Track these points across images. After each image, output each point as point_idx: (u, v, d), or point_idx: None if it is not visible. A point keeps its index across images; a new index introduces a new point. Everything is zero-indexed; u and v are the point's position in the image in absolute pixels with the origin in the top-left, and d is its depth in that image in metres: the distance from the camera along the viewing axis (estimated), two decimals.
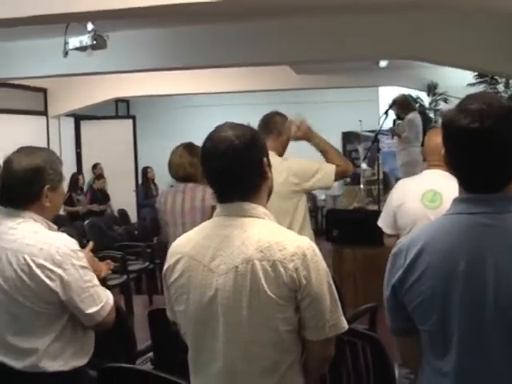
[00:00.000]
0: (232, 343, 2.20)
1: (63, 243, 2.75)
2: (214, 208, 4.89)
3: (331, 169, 4.48)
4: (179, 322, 2.38)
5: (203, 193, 5.04)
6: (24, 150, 2.93)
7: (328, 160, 4.55)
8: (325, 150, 4.58)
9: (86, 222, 9.76)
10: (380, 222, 4.24)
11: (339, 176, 4.65)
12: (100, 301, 2.78)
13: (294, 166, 4.47)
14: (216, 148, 2.25)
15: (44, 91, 12.73)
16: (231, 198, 2.28)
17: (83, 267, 2.76)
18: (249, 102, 13.82)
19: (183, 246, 2.36)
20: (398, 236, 4.06)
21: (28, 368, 2.73)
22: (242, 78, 11.50)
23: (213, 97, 13.98)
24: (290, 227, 4.30)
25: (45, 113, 12.86)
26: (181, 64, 8.91)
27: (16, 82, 10.88)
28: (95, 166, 13.02)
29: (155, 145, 13.45)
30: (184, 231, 5.03)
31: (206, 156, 2.30)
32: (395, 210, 4.09)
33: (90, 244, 3.07)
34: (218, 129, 2.30)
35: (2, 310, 2.74)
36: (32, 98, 12.50)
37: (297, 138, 4.65)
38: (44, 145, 12.67)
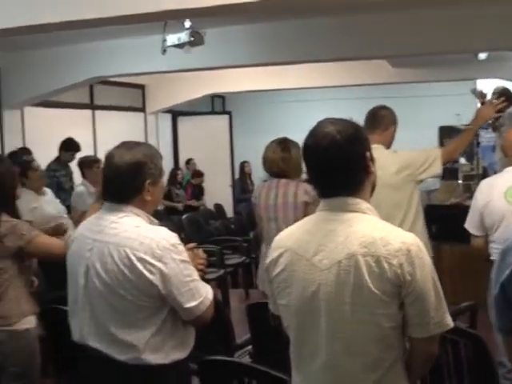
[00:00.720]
0: (334, 338, 2.19)
1: (164, 237, 2.77)
2: (306, 204, 5.00)
3: (437, 153, 4.51)
4: (282, 315, 2.38)
5: (296, 189, 5.06)
6: (125, 145, 2.98)
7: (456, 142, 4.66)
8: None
9: (184, 216, 9.89)
10: (467, 224, 4.24)
11: (446, 160, 4.67)
12: (199, 295, 2.80)
13: (404, 158, 4.50)
14: (318, 144, 2.24)
15: (142, 88, 12.99)
16: (334, 193, 2.27)
17: (183, 261, 2.77)
18: (344, 96, 13.74)
19: (286, 240, 2.36)
20: (485, 236, 4.05)
21: (131, 360, 2.76)
22: (338, 72, 11.41)
23: (309, 91, 13.92)
24: (403, 220, 4.33)
25: (143, 109, 13.13)
26: (278, 59, 8.91)
27: (116, 79, 11.12)
28: (188, 161, 13.19)
29: (251, 140, 13.50)
30: (277, 226, 5.20)
31: (308, 152, 2.30)
32: (481, 209, 4.10)
33: (191, 245, 3.08)
34: (320, 124, 2.29)
35: (105, 302, 2.79)
36: (131, 95, 12.78)
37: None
38: (142, 141, 12.92)
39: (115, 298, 2.76)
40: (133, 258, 2.71)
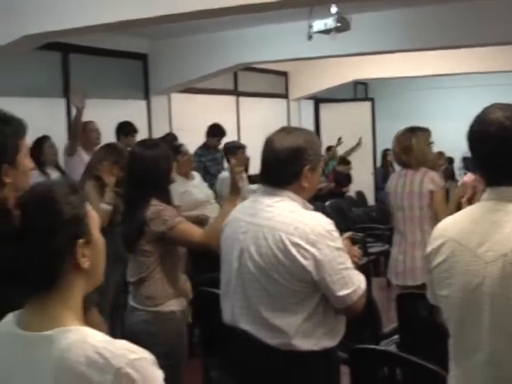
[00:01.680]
0: (499, 333, 2.09)
1: (319, 223, 2.75)
2: (432, 193, 4.91)
3: None
4: (441, 306, 2.30)
5: (422, 177, 5.08)
6: (286, 130, 2.96)
7: None
8: None
9: (328, 203, 9.87)
10: None
11: None
12: (352, 284, 2.75)
13: None
14: (485, 130, 2.14)
15: (285, 75, 13.04)
16: (501, 182, 2.16)
17: (338, 248, 2.74)
18: (492, 83, 13.26)
19: (448, 229, 2.27)
20: None
21: (281, 345, 2.76)
22: (486, 58, 11.00)
23: (455, 78, 13.54)
24: None
25: (286, 96, 13.19)
26: (425, 45, 8.69)
27: (259, 66, 11.21)
28: (329, 148, 13.12)
29: (393, 127, 13.23)
30: (403, 215, 5.15)
31: (475, 139, 2.19)
32: None
33: (348, 233, 3.04)
34: (487, 111, 2.19)
35: (258, 286, 2.79)
36: (274, 82, 12.86)
37: None
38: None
39: (268, 282, 2.75)
40: (287, 242, 2.70)
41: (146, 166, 3.68)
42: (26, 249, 1.61)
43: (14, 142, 2.27)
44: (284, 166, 2.83)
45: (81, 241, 1.65)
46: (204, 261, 5.94)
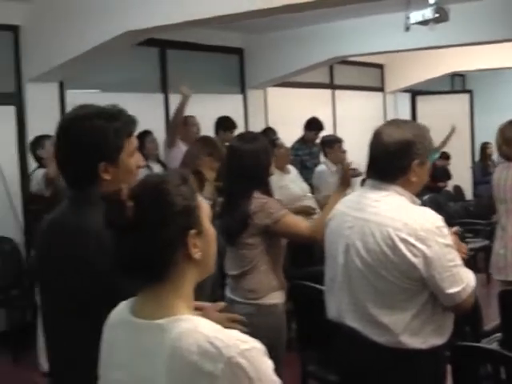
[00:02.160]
0: None
1: (428, 219, 2.69)
2: None
3: None
4: None
5: None
6: (395, 123, 2.92)
7: None
8: None
9: (426, 196, 9.71)
10: None
11: None
12: (461, 282, 2.68)
13: None
14: None
15: (381, 67, 12.89)
16: None
17: (447, 245, 2.67)
18: None
19: None
20: None
21: (388, 342, 2.72)
22: None
23: None
24: None
25: (382, 89, 13.04)
26: None
27: (355, 59, 11.12)
28: None
29: (492, 120, 12.90)
30: (506, 208, 5.03)
31: None
32: None
33: (455, 228, 2.97)
34: None
35: (365, 282, 2.76)
36: (370, 75, 12.73)
37: None
38: (381, 121, 12.87)
39: (376, 279, 2.71)
40: (395, 238, 2.65)
41: (246, 160, 3.69)
42: (139, 240, 1.63)
43: (118, 141, 2.24)
44: (392, 160, 2.77)
45: (192, 231, 1.67)
46: (300, 255, 5.96)
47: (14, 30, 6.98)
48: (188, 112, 7.30)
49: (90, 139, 2.20)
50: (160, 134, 7.67)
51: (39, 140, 6.04)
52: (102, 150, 2.21)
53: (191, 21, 5.86)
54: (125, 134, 2.26)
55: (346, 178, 3.71)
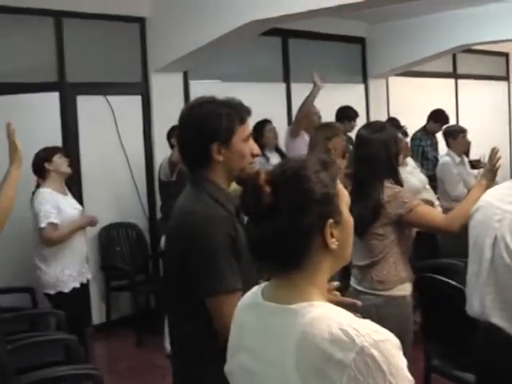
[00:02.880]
0: None
1: None
2: None
3: None
4: None
5: None
6: None
7: None
8: None
9: None
10: None
11: None
12: None
13: None
14: None
15: (506, 56, 12.49)
16: None
17: None
18: None
19: None
20: None
21: None
22: None
23: None
24: None
25: (507, 78, 12.63)
26: None
27: (479, 47, 10.80)
28: None
29: None
30: None
31: None
32: None
33: None
34: None
35: None
36: (493, 63, 12.34)
37: None
38: (506, 111, 12.51)
39: None
40: None
41: (376, 149, 3.64)
42: (276, 227, 1.61)
43: (230, 124, 2.37)
44: None
45: (330, 221, 1.62)
46: (423, 246, 5.84)
47: (140, 21, 7.16)
48: None
49: (203, 121, 2.36)
50: (281, 123, 7.69)
51: (174, 129, 6.12)
52: (214, 131, 2.35)
53: (315, 10, 5.84)
54: (237, 119, 2.39)
55: (493, 167, 3.57)
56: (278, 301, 1.63)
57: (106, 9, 6.77)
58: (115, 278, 6.74)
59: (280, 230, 1.60)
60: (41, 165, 5.10)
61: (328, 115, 7.62)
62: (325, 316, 1.55)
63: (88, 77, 6.65)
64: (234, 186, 2.39)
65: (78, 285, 5.26)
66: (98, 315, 6.59)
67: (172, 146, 6.08)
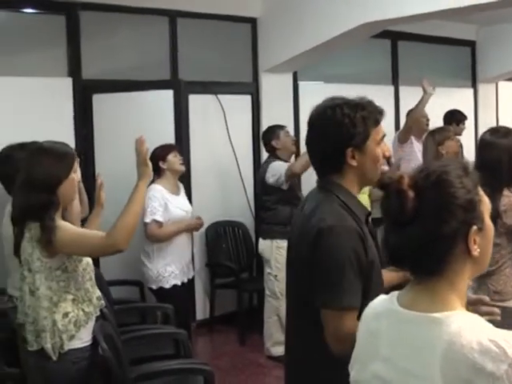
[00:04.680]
0: None
1: None
2: None
3: None
4: None
5: None
6: None
7: None
8: None
9: None
10: None
11: None
12: None
13: None
14: None
15: None
16: None
17: None
18: None
19: None
20: None
21: None
22: None
23: None
24: None
25: None
26: None
27: None
28: None
29: None
30: None
31: None
32: None
33: None
34: None
35: None
36: None
37: None
38: None
39: None
40: None
41: (501, 155, 3.55)
42: (420, 232, 1.59)
43: (365, 128, 2.30)
44: None
45: (474, 227, 1.61)
46: None
47: (252, 22, 7.22)
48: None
49: (338, 126, 2.29)
50: (389, 127, 7.60)
51: (274, 130, 6.10)
52: (349, 136, 2.29)
53: (427, 13, 5.75)
54: (372, 121, 2.33)
55: None
56: (417, 308, 1.61)
57: (218, 9, 6.87)
58: (220, 275, 6.82)
59: (423, 235, 1.59)
60: (155, 163, 5.19)
61: (436, 119, 7.50)
62: (472, 326, 1.53)
63: (200, 76, 6.74)
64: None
65: (178, 282, 5.37)
66: (201, 311, 6.69)
67: (269, 150, 6.04)
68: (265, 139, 6.13)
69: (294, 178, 5.75)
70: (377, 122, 2.35)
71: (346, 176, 2.34)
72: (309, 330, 2.31)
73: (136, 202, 3.14)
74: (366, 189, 6.17)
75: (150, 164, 3.22)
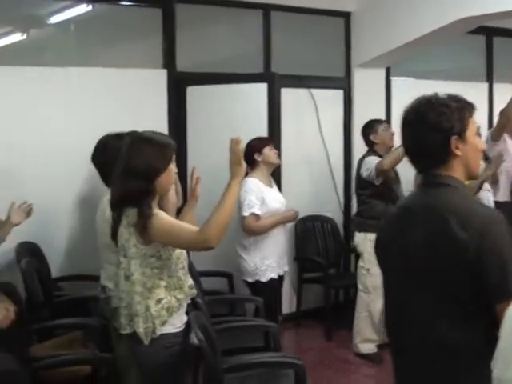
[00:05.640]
0: None
1: None
2: None
3: None
4: None
5: None
6: None
7: None
8: None
9: None
10: None
11: None
12: None
13: None
14: None
15: None
16: None
17: None
18: None
19: None
20: None
21: None
22: None
23: None
24: None
25: None
26: None
27: None
28: None
29: None
30: None
31: None
32: None
33: None
34: None
35: None
36: None
37: None
38: None
39: None
40: None
41: None
42: None
43: (463, 116, 2.32)
44: None
45: None
46: None
47: (346, 16, 7.16)
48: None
49: (438, 115, 2.30)
50: (482, 124, 7.41)
51: (372, 124, 6.01)
52: (451, 125, 2.30)
53: None
54: (467, 112, 2.35)
55: None
56: None
57: (312, 3, 6.84)
58: (308, 269, 6.79)
59: None
60: (251, 155, 5.19)
61: None
62: None
63: (292, 69, 6.72)
64: None
65: (275, 275, 5.36)
66: (287, 305, 6.68)
67: (368, 144, 5.98)
68: (364, 133, 6.06)
69: (383, 173, 5.68)
70: (471, 113, 2.37)
71: (453, 167, 2.34)
72: (455, 330, 2.23)
73: (229, 201, 3.13)
74: None
75: (243, 164, 3.21)
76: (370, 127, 6.00)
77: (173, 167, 3.28)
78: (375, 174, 5.68)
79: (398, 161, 5.48)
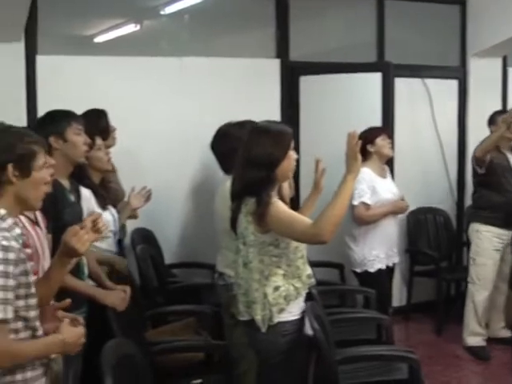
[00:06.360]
0: None
1: None
2: None
3: None
4: None
5: None
6: None
7: None
8: None
9: None
10: None
11: None
12: None
13: None
14: None
15: None
16: None
17: None
18: None
19: None
20: None
21: None
22: None
23: None
24: None
25: None
26: None
27: None
28: None
29: None
30: None
31: None
32: None
33: None
34: None
35: None
36: None
37: None
38: None
39: None
40: None
41: None
42: None
43: None
44: None
45: None
46: None
47: (461, 3, 6.98)
48: None
49: None
50: None
51: (493, 115, 5.87)
52: None
53: None
54: None
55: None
56: None
57: None
58: (419, 262, 6.69)
59: None
60: (363, 145, 5.13)
61: None
62: None
63: (405, 59, 6.59)
64: None
65: (383, 266, 5.32)
66: (398, 298, 6.58)
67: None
68: (488, 123, 5.94)
69: (478, 162, 5.55)
70: None
71: None
72: None
73: (344, 196, 3.11)
74: None
75: (360, 158, 3.18)
76: (490, 118, 5.90)
77: (292, 153, 3.30)
78: (475, 163, 5.60)
79: (490, 148, 5.41)
